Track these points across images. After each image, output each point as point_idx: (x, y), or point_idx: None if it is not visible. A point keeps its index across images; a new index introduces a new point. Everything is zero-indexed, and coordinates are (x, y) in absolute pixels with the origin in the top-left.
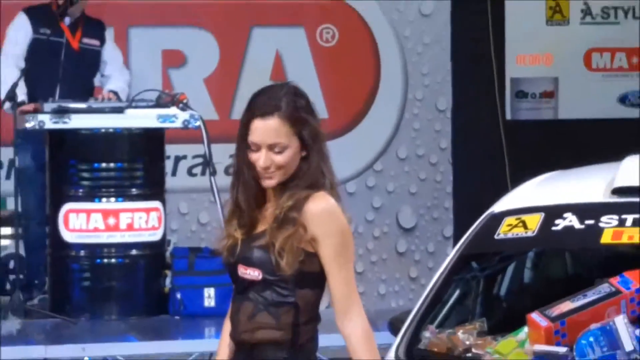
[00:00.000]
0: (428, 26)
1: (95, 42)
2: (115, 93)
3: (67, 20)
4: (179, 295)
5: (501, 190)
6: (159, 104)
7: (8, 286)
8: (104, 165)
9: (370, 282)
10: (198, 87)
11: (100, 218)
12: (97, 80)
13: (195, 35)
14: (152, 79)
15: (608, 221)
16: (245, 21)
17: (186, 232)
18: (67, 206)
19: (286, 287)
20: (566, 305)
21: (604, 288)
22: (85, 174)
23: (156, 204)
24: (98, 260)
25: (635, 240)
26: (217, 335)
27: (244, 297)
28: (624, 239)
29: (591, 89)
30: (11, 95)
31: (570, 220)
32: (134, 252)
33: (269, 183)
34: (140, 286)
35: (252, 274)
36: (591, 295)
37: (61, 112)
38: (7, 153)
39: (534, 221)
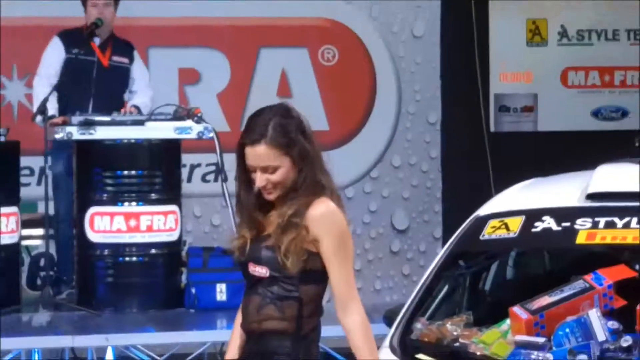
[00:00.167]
0: (420, 47)
1: (124, 60)
2: (137, 107)
3: (97, 40)
4: (193, 290)
5: (486, 196)
6: (176, 117)
7: (39, 282)
8: (126, 172)
9: (367, 279)
10: (211, 102)
11: (123, 220)
12: (126, 95)
13: (209, 55)
14: (170, 95)
15: (583, 224)
16: (253, 42)
17: (200, 233)
18: (93, 209)
19: (291, 283)
20: (545, 300)
21: (578, 284)
22: (109, 181)
23: (173, 207)
24: (120, 259)
25: (608, 241)
26: (228, 327)
27: (253, 292)
28: (597, 240)
29: (567, 104)
30: (42, 109)
31: (549, 222)
32: (153, 251)
33: (269, 197)
34: (159, 282)
35: (260, 271)
36: (567, 291)
37: (87, 125)
38: (39, 162)
39: (516, 223)
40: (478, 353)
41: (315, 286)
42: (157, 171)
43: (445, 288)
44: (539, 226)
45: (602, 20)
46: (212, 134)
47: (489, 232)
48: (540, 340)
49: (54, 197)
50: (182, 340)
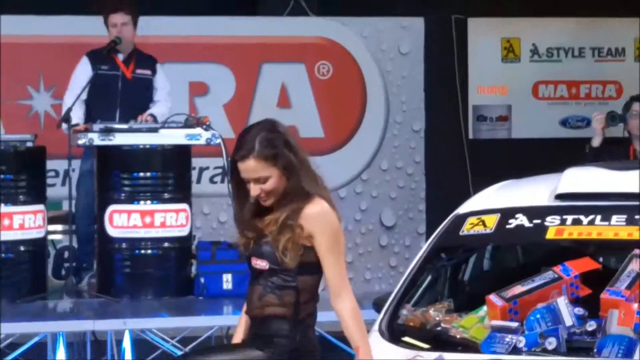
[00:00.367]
0: (406, 63)
1: (147, 72)
2: (154, 116)
3: (120, 56)
4: (202, 280)
5: (465, 196)
6: (186, 125)
7: (63, 272)
8: (141, 174)
9: (358, 270)
10: (218, 111)
11: (139, 217)
12: (151, 104)
13: (216, 69)
14: (181, 105)
15: (552, 221)
16: (256, 58)
17: (208, 228)
18: (112, 207)
19: (289, 275)
20: (518, 289)
21: (548, 275)
22: (127, 182)
23: (184, 206)
24: (137, 252)
25: (574, 236)
26: (233, 313)
27: (256, 282)
28: (565, 235)
29: (538, 114)
30: (66, 117)
31: (522, 220)
32: (166, 244)
33: (265, 204)
34: (171, 272)
35: (261, 264)
36: (538, 281)
37: (107, 132)
38: (63, 165)
39: (492, 220)
40: (458, 336)
41: (310, 277)
42: (169, 173)
43: (429, 278)
44: (513, 223)
45: (570, 39)
46: (219, 140)
47: (467, 229)
48: (514, 324)
49: (76, 195)
50: (192, 324)
